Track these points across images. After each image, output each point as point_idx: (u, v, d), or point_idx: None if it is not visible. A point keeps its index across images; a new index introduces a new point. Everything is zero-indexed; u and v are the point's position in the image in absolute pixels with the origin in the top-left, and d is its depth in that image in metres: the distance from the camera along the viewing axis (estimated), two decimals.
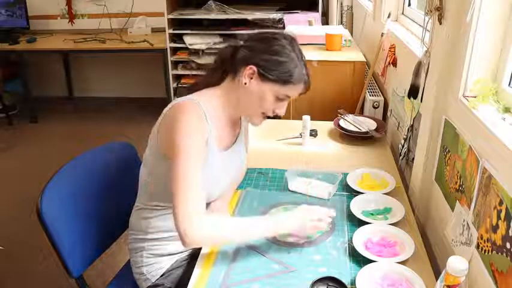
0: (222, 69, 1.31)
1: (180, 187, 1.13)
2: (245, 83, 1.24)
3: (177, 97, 1.30)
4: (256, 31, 1.31)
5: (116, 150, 1.59)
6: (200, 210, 1.14)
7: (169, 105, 1.25)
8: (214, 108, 1.28)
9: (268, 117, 1.34)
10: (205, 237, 1.15)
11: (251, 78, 1.24)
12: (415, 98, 1.55)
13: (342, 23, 3.65)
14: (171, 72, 4.10)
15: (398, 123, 1.87)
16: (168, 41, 3.97)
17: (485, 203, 1.00)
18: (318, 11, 3.79)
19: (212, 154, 1.27)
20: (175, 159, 1.15)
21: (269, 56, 1.22)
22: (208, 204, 1.37)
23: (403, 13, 2.33)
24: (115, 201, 1.50)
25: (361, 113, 2.33)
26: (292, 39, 1.27)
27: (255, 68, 1.22)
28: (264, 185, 1.57)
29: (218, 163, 1.31)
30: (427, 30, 1.44)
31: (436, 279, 0.93)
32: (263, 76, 1.23)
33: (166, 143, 1.21)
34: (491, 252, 0.96)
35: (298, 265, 1.18)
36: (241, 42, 1.29)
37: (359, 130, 1.93)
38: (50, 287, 2.21)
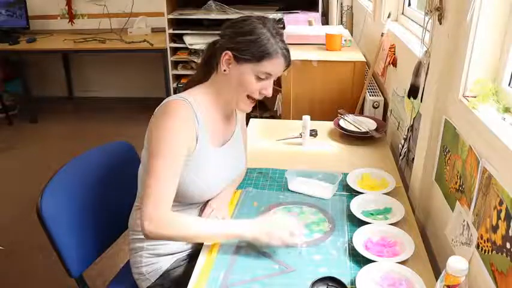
0: (208, 66, 1.33)
1: (152, 185, 1.16)
2: (224, 70, 1.25)
3: None
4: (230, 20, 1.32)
5: (115, 150, 1.59)
6: (166, 209, 1.17)
7: (160, 104, 1.27)
8: (206, 104, 1.30)
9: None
10: (162, 235, 1.19)
11: (229, 64, 1.25)
12: (415, 98, 1.55)
13: (342, 23, 3.65)
14: (171, 72, 4.10)
15: (399, 123, 1.87)
16: (168, 41, 3.97)
17: (485, 203, 1.00)
18: (318, 11, 3.79)
19: (206, 151, 1.27)
20: (155, 155, 1.18)
21: (241, 38, 1.23)
22: (207, 202, 1.38)
23: (403, 13, 2.33)
24: (115, 201, 1.50)
25: (361, 113, 2.33)
26: (264, 19, 1.27)
27: (230, 53, 1.23)
28: (264, 185, 1.57)
29: (213, 160, 1.31)
30: (427, 30, 1.44)
31: (436, 279, 0.93)
32: (238, 58, 1.23)
33: (151, 139, 1.22)
34: (491, 252, 0.96)
35: (298, 265, 1.18)
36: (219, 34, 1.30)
37: (359, 130, 1.93)
38: (50, 287, 2.21)
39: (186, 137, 1.22)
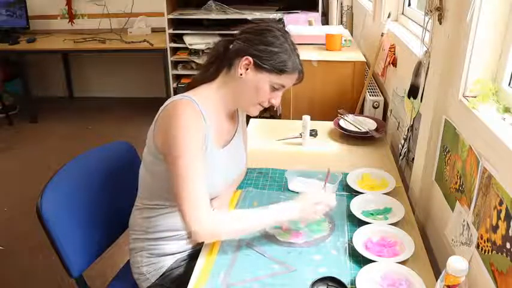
0: (217, 64, 1.32)
1: (185, 186, 1.15)
2: (241, 74, 1.25)
3: None
4: (250, 24, 1.33)
5: (115, 150, 1.59)
6: (207, 208, 1.17)
7: (165, 104, 1.26)
8: (211, 104, 1.29)
9: (265, 109, 1.36)
10: (215, 234, 1.21)
11: (247, 69, 1.25)
12: (415, 98, 1.55)
13: (342, 23, 3.65)
14: (171, 72, 4.10)
15: (398, 123, 1.87)
16: (168, 41, 3.98)
17: (485, 203, 1.00)
18: (318, 11, 3.79)
19: (211, 152, 1.27)
20: (175, 158, 1.16)
21: (264, 47, 1.24)
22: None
23: (403, 13, 2.33)
24: (115, 201, 1.50)
25: (361, 113, 2.33)
26: (285, 31, 1.30)
27: (250, 59, 1.24)
28: (264, 185, 1.57)
29: (218, 161, 1.31)
30: (427, 30, 1.44)
31: (436, 279, 0.93)
32: (259, 66, 1.24)
33: (163, 141, 1.21)
34: (491, 252, 0.96)
35: (298, 265, 1.18)
36: (235, 36, 1.30)
37: (359, 130, 1.93)
38: (50, 287, 2.21)
39: (199, 136, 1.22)
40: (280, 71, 1.25)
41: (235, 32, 1.33)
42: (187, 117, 1.19)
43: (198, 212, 1.15)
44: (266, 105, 1.32)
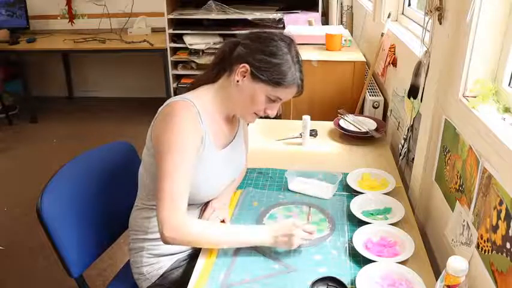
0: (220, 66, 1.31)
1: (166, 184, 1.15)
2: (237, 81, 1.24)
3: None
4: (256, 30, 1.31)
5: (115, 150, 1.59)
6: (182, 212, 1.16)
7: (164, 104, 1.26)
8: (210, 106, 1.29)
9: (261, 118, 1.34)
10: (181, 240, 1.18)
11: (244, 77, 1.24)
12: (415, 98, 1.55)
13: (342, 23, 3.65)
14: (171, 72, 4.10)
15: (398, 123, 1.87)
16: (168, 41, 3.98)
17: (485, 203, 1.00)
18: (318, 11, 3.79)
19: (209, 153, 1.27)
20: (164, 156, 1.16)
21: (263, 56, 1.21)
22: (207, 203, 1.38)
23: (403, 13, 2.33)
24: (115, 201, 1.50)
25: (361, 113, 2.33)
26: (290, 41, 1.26)
27: (248, 67, 1.22)
28: (264, 185, 1.57)
29: (217, 161, 1.31)
30: (427, 30, 1.44)
31: (436, 279, 0.93)
32: (255, 76, 1.22)
33: (157, 140, 1.21)
34: (491, 252, 0.96)
35: (298, 265, 1.18)
36: (240, 40, 1.29)
37: (359, 130, 1.93)
38: (50, 287, 2.21)
39: (194, 138, 1.22)
40: (276, 83, 1.22)
41: (235, 32, 1.33)
42: (183, 119, 1.19)
43: (171, 212, 1.13)
44: (262, 114, 1.30)
